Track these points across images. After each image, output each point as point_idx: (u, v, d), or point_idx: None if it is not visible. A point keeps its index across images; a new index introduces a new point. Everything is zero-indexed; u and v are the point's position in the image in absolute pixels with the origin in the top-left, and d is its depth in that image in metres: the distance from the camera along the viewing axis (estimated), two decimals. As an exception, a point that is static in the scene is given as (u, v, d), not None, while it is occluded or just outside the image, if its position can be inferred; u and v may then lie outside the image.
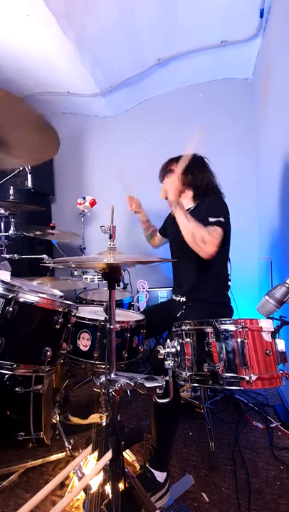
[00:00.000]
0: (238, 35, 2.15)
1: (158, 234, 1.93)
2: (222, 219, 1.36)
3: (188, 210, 1.57)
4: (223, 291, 1.55)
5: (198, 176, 1.55)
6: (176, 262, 1.64)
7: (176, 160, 1.60)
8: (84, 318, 1.33)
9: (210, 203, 1.48)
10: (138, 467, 1.28)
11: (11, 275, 1.18)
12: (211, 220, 1.35)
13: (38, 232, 2.01)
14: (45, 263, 1.43)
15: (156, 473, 1.14)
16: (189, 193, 1.60)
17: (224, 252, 1.51)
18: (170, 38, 2.20)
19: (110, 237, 0.99)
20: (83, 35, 2.01)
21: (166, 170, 1.61)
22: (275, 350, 0.91)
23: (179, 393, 1.29)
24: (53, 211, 3.15)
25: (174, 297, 1.67)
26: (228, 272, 1.58)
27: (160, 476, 1.14)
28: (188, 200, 1.61)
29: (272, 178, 1.97)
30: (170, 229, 1.72)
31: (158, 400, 0.91)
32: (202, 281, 1.52)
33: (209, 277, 1.51)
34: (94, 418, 1.51)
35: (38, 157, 1.05)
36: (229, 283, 1.57)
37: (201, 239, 1.30)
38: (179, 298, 1.60)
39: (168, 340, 1.00)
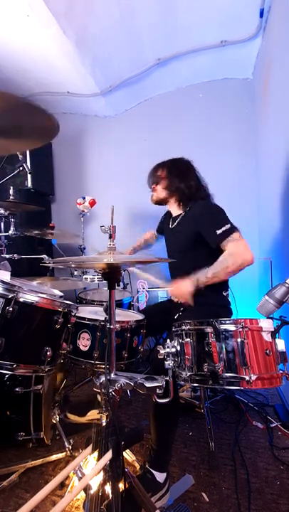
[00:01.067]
0: (237, 35, 2.15)
1: (155, 233, 1.95)
2: (227, 226, 1.33)
3: (177, 218, 1.58)
4: (222, 292, 1.52)
5: (182, 182, 1.53)
6: (173, 263, 1.63)
7: (161, 166, 1.61)
8: (84, 318, 1.33)
9: (212, 212, 1.43)
10: (138, 467, 1.28)
11: (11, 275, 1.18)
12: (219, 232, 1.32)
13: (36, 232, 2.01)
14: (45, 263, 1.42)
15: (156, 473, 1.14)
16: (174, 199, 1.59)
17: (221, 252, 1.49)
18: (170, 38, 2.21)
19: (110, 237, 0.99)
20: (83, 35, 2.01)
21: (154, 177, 1.61)
22: (275, 350, 0.91)
23: (177, 393, 1.29)
24: (53, 211, 3.15)
25: (172, 298, 1.66)
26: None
27: (160, 476, 1.14)
28: (175, 207, 1.61)
29: (273, 178, 1.97)
30: (166, 233, 1.73)
31: (158, 400, 0.91)
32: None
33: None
34: (92, 415, 1.51)
35: (38, 141, 1.04)
36: (228, 282, 1.54)
37: (236, 266, 1.29)
38: (176, 299, 1.59)
39: (168, 340, 1.00)
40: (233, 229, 1.34)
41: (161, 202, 1.64)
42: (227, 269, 1.29)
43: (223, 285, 1.53)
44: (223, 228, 1.33)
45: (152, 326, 1.50)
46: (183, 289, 1.31)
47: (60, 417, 1.39)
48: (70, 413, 1.52)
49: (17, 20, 1.80)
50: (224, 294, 1.52)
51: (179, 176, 1.55)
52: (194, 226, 1.45)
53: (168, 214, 1.74)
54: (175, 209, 1.62)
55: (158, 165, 1.64)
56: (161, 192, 1.60)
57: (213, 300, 1.48)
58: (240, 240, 1.32)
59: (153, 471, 1.14)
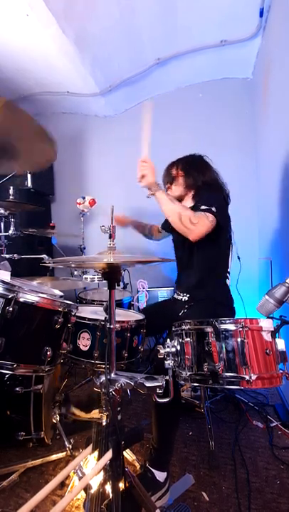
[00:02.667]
0: (237, 34, 2.15)
1: (160, 229, 1.91)
2: (214, 208, 1.32)
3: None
4: (225, 290, 1.53)
5: (198, 177, 1.54)
6: (181, 255, 1.61)
7: (176, 164, 1.61)
8: (84, 318, 1.33)
9: (205, 195, 1.47)
10: (138, 467, 1.28)
11: (11, 275, 1.18)
12: (203, 207, 1.33)
13: (33, 230, 2.01)
14: (45, 263, 1.42)
15: (157, 472, 1.14)
16: (190, 194, 1.59)
17: (224, 247, 1.50)
18: (170, 37, 2.20)
19: (110, 237, 0.99)
20: (83, 35, 2.01)
21: (169, 176, 1.61)
22: (275, 349, 0.91)
23: (179, 393, 1.29)
24: (53, 211, 3.15)
25: (175, 296, 1.66)
26: (228, 270, 1.55)
27: (160, 475, 1.14)
28: (189, 200, 1.59)
29: (273, 178, 1.97)
30: (174, 239, 1.71)
31: (158, 400, 0.92)
32: (204, 279, 1.50)
33: (211, 275, 1.50)
34: (95, 414, 1.50)
35: (39, 163, 1.06)
36: (228, 281, 1.54)
37: (189, 220, 1.28)
38: (180, 297, 1.59)
39: (168, 340, 1.00)
40: (213, 214, 1.31)
41: (178, 200, 1.58)
42: (178, 213, 1.31)
43: (226, 283, 1.53)
44: (207, 207, 1.32)
45: (152, 325, 1.50)
46: (150, 174, 1.45)
47: (62, 412, 1.39)
48: (75, 408, 1.51)
49: (17, 19, 1.80)
50: (227, 292, 1.53)
51: (197, 170, 1.55)
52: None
53: None
54: (189, 201, 1.58)
55: (171, 164, 1.63)
56: (176, 190, 1.59)
57: (218, 298, 1.49)
58: (205, 218, 1.30)
59: (153, 470, 1.14)
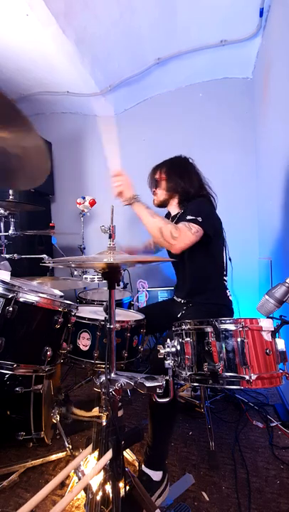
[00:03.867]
0: (237, 34, 2.15)
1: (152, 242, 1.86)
2: (200, 218, 1.31)
3: (175, 216, 1.56)
4: (222, 291, 1.53)
5: (181, 181, 1.51)
6: (176, 263, 1.62)
7: (160, 167, 1.59)
8: (84, 318, 1.33)
9: (192, 204, 1.45)
10: (138, 466, 1.28)
11: (11, 275, 1.18)
12: (188, 217, 1.32)
13: (36, 231, 2.01)
14: (45, 263, 1.42)
15: (151, 472, 1.13)
16: (175, 199, 1.56)
17: (216, 252, 1.49)
18: (170, 37, 2.20)
19: (110, 237, 0.99)
20: (83, 34, 2.00)
21: (153, 180, 1.59)
22: (275, 349, 0.91)
23: (175, 392, 1.29)
24: (53, 211, 3.15)
25: (175, 298, 1.67)
26: (225, 272, 1.55)
27: (155, 475, 1.13)
28: (174, 207, 1.58)
29: (273, 178, 1.97)
30: None
31: (158, 400, 0.91)
32: (201, 285, 1.51)
33: (207, 281, 1.50)
34: (97, 411, 1.50)
35: (33, 182, 1.05)
36: (225, 282, 1.54)
37: (170, 234, 1.26)
38: (179, 299, 1.60)
39: (168, 340, 1.00)
40: (199, 224, 1.30)
41: (162, 204, 1.61)
42: (159, 227, 1.28)
43: (222, 285, 1.53)
44: (193, 217, 1.31)
45: (152, 325, 1.50)
46: (127, 186, 1.39)
47: (63, 413, 1.39)
48: (76, 408, 1.52)
49: (17, 19, 1.80)
50: (227, 293, 1.53)
51: (178, 175, 1.52)
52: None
53: (167, 215, 1.69)
54: (174, 208, 1.58)
55: (155, 167, 1.60)
56: (161, 194, 1.57)
57: (215, 300, 1.49)
58: (190, 230, 1.28)
59: (148, 471, 1.13)
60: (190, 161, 1.59)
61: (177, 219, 1.51)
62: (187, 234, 1.28)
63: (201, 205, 1.42)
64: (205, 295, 1.49)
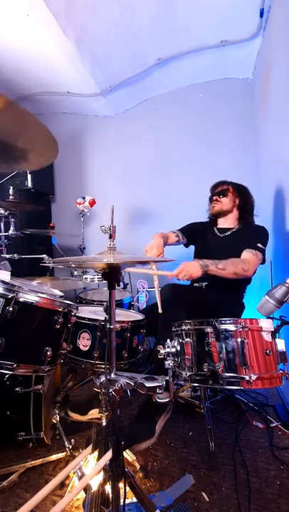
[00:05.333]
0: (238, 34, 2.15)
1: (179, 233, 1.90)
2: (264, 247, 1.56)
3: (230, 230, 1.76)
4: (243, 287, 1.72)
5: (249, 200, 1.76)
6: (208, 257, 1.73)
7: (226, 183, 1.78)
8: (84, 318, 1.33)
9: (260, 231, 1.65)
10: (138, 466, 1.28)
11: (11, 275, 1.18)
12: (259, 245, 1.54)
13: (36, 230, 2.01)
14: (45, 263, 1.43)
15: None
16: (236, 214, 1.77)
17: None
18: (170, 37, 2.20)
19: (110, 237, 0.99)
20: (83, 34, 2.01)
21: (221, 190, 1.76)
22: (275, 349, 0.91)
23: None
24: (53, 211, 3.15)
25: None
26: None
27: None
28: (232, 220, 1.77)
29: (273, 178, 1.97)
30: (210, 240, 1.83)
31: (158, 400, 0.91)
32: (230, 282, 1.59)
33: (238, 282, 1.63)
34: (93, 414, 1.50)
35: (39, 162, 1.05)
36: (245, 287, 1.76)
37: (242, 270, 1.46)
38: (197, 285, 1.68)
39: (168, 340, 1.00)
40: (263, 252, 1.55)
41: (221, 213, 1.77)
42: (233, 272, 1.45)
43: (244, 284, 1.71)
44: (262, 246, 1.55)
45: (153, 325, 1.50)
46: (191, 269, 1.41)
47: (60, 415, 1.39)
48: (71, 411, 1.52)
49: (17, 19, 1.80)
50: (243, 289, 1.72)
51: (247, 194, 1.78)
52: (246, 239, 1.62)
53: (209, 225, 1.88)
54: (229, 221, 1.78)
55: (223, 181, 1.79)
56: (225, 204, 1.75)
57: (235, 295, 1.66)
58: (257, 257, 1.52)
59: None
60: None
61: (233, 233, 1.75)
62: (255, 262, 1.52)
63: (266, 236, 1.63)
64: (226, 284, 1.57)
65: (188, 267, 1.41)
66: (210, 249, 1.78)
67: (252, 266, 1.49)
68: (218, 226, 1.82)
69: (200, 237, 1.88)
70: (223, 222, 1.81)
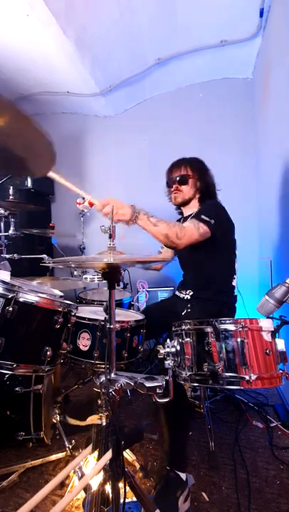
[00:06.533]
0: (237, 34, 2.15)
1: (162, 250, 1.80)
2: (212, 221, 1.34)
3: (188, 216, 1.55)
4: (230, 291, 1.54)
5: (209, 179, 1.56)
6: (184, 264, 1.64)
7: (184, 164, 1.54)
8: (84, 318, 1.33)
9: (208, 205, 1.50)
10: (138, 466, 1.28)
11: (11, 275, 1.18)
12: (203, 217, 1.34)
13: (36, 231, 2.01)
14: (45, 263, 1.42)
15: (178, 472, 1.12)
16: (197, 198, 1.58)
17: (228, 253, 1.52)
18: (170, 37, 2.21)
19: (110, 237, 0.99)
20: (83, 34, 2.01)
21: (181, 176, 1.53)
22: (275, 349, 0.91)
23: (183, 392, 1.27)
24: (53, 211, 3.15)
25: (177, 293, 1.66)
26: (235, 272, 1.56)
27: (181, 475, 1.12)
28: (193, 206, 1.59)
29: (273, 178, 1.97)
30: None
31: (158, 400, 0.91)
32: (210, 281, 1.51)
33: (218, 279, 1.51)
34: (93, 420, 1.50)
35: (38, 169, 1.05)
36: (234, 282, 1.55)
37: (176, 236, 1.27)
38: (183, 295, 1.59)
39: (168, 340, 1.00)
40: (210, 226, 1.33)
41: (185, 203, 1.59)
42: (164, 234, 1.26)
43: (229, 284, 1.54)
44: (207, 218, 1.34)
45: (153, 325, 1.50)
46: (120, 207, 1.20)
47: (60, 419, 1.39)
48: (70, 417, 1.52)
49: (17, 19, 1.80)
50: (234, 293, 1.55)
51: (206, 173, 1.55)
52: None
53: (180, 214, 1.71)
54: (192, 208, 1.59)
55: (178, 163, 1.56)
56: (187, 192, 1.55)
57: (219, 298, 1.50)
58: (197, 228, 1.31)
59: (175, 470, 1.12)
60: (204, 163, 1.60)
61: (191, 218, 1.48)
62: (193, 233, 1.31)
63: (216, 208, 1.46)
64: (213, 290, 1.49)
65: (117, 204, 1.18)
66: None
67: (188, 235, 1.29)
68: (184, 215, 1.64)
69: None
70: (187, 211, 1.62)
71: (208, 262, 1.51)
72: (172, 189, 1.58)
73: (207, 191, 1.56)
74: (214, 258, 1.50)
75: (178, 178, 1.54)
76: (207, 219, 1.34)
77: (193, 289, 1.56)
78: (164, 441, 1.19)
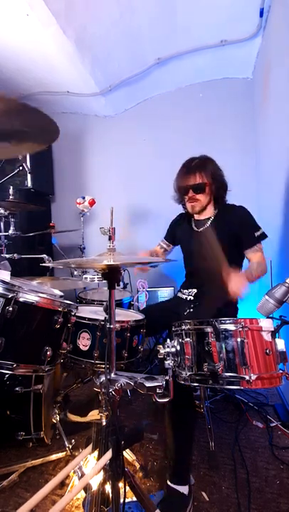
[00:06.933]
0: (237, 34, 2.15)
1: (164, 242, 1.78)
2: (261, 229, 1.45)
3: (208, 220, 1.52)
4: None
5: (222, 182, 1.49)
6: (199, 266, 1.57)
7: (199, 169, 1.43)
8: (84, 318, 1.33)
9: (244, 218, 1.48)
10: (138, 466, 1.28)
11: (11, 275, 1.18)
12: (257, 234, 1.43)
13: (37, 232, 2.01)
14: (45, 263, 1.42)
15: (179, 488, 1.10)
16: (212, 202, 1.52)
17: (242, 255, 1.53)
18: (170, 37, 2.20)
19: (110, 239, 0.99)
20: (83, 34, 2.00)
21: (197, 185, 1.44)
22: (275, 349, 0.91)
23: (192, 397, 1.25)
24: (53, 211, 3.15)
25: (179, 295, 1.65)
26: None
27: (183, 489, 1.10)
28: (209, 209, 1.53)
29: (273, 178, 1.97)
30: (189, 237, 1.61)
31: (158, 400, 0.91)
32: (218, 279, 1.43)
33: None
34: (93, 415, 1.51)
35: (38, 145, 1.04)
36: None
37: (262, 273, 1.40)
38: (186, 296, 1.58)
39: (168, 340, 1.00)
40: (259, 237, 1.43)
41: (202, 210, 1.51)
42: (259, 274, 1.38)
43: None
44: (258, 233, 1.43)
45: (153, 325, 1.50)
46: (242, 284, 1.24)
47: (60, 417, 1.39)
48: (70, 413, 1.52)
49: (17, 19, 1.80)
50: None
51: (219, 176, 1.47)
52: (232, 228, 1.45)
53: (183, 218, 1.66)
54: (206, 212, 1.53)
55: (194, 169, 1.44)
56: (205, 199, 1.47)
57: (226, 299, 1.47)
58: (261, 251, 1.45)
59: (176, 488, 1.10)
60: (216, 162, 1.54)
61: (212, 224, 1.50)
62: (263, 257, 1.44)
63: (251, 217, 1.48)
64: (216, 293, 1.42)
65: (239, 285, 1.24)
66: (190, 248, 1.60)
67: (264, 262, 1.41)
68: (195, 218, 1.59)
69: (179, 234, 1.69)
70: (201, 216, 1.56)
71: (232, 260, 1.47)
72: (187, 198, 1.49)
73: (221, 194, 1.51)
74: (238, 259, 1.53)
75: (194, 187, 1.44)
76: (258, 232, 1.43)
77: (198, 288, 1.54)
78: (168, 451, 1.17)
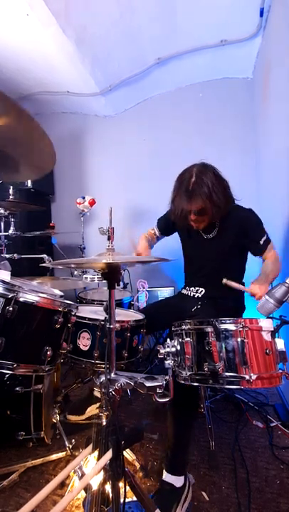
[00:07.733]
0: (237, 34, 2.15)
1: (157, 230, 1.74)
2: (267, 234, 1.47)
3: (215, 227, 1.49)
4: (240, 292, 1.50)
5: (227, 197, 1.42)
6: (202, 270, 1.58)
7: (201, 195, 1.32)
8: (84, 318, 1.33)
9: (252, 222, 1.50)
10: (138, 466, 1.28)
11: (11, 275, 1.18)
12: (264, 239, 1.45)
13: (37, 233, 2.01)
14: (45, 263, 1.42)
15: (174, 479, 1.11)
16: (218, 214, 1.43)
17: (246, 255, 1.59)
18: (170, 37, 2.20)
19: (109, 239, 0.99)
20: (83, 34, 2.00)
21: (198, 211, 1.36)
22: (275, 349, 0.91)
23: (196, 394, 1.26)
24: (53, 211, 3.15)
25: (184, 292, 1.65)
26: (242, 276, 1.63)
27: (178, 481, 1.11)
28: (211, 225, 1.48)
29: (273, 178, 1.97)
30: (196, 243, 1.59)
31: (158, 400, 0.92)
32: (219, 276, 1.45)
33: (234, 276, 1.47)
34: (91, 411, 1.51)
35: (40, 171, 1.05)
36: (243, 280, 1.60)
37: (277, 269, 1.44)
38: (193, 293, 1.58)
39: (168, 340, 1.00)
40: (267, 240, 1.46)
41: (207, 226, 1.48)
42: (276, 273, 1.42)
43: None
44: (265, 238, 1.45)
45: (155, 324, 1.50)
46: (262, 289, 1.29)
47: (60, 419, 1.39)
48: (69, 414, 1.52)
49: (17, 19, 1.80)
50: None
51: (222, 194, 1.38)
52: (237, 233, 1.47)
53: (170, 229, 1.70)
54: (209, 228, 1.51)
55: (196, 192, 1.33)
56: (210, 218, 1.42)
57: (231, 295, 1.50)
58: (273, 249, 1.48)
59: (170, 479, 1.11)
60: (215, 168, 1.46)
61: (220, 230, 1.50)
62: (275, 255, 1.47)
63: (258, 220, 1.52)
64: (223, 290, 1.45)
65: (262, 288, 1.30)
66: (198, 253, 1.60)
67: (278, 259, 1.46)
68: (201, 228, 1.52)
69: (183, 238, 1.67)
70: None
71: (237, 263, 1.57)
72: (190, 218, 1.42)
73: (228, 207, 1.43)
74: (243, 260, 1.59)
75: (197, 212, 1.37)
76: (265, 235, 1.46)
77: (206, 287, 1.55)
78: (167, 442, 1.19)
